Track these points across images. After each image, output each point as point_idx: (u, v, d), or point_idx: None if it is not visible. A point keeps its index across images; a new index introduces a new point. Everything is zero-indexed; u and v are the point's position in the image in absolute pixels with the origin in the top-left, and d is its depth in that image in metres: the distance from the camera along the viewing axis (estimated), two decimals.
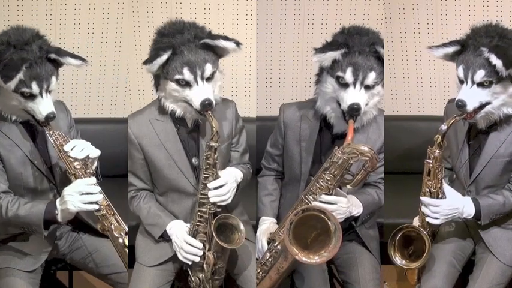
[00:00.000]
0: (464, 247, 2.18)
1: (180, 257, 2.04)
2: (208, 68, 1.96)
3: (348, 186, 2.00)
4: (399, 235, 2.09)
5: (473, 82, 1.96)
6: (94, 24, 3.25)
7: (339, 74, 2.01)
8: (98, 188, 1.94)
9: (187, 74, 1.94)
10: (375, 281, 2.12)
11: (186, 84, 1.96)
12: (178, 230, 2.06)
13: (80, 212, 2.16)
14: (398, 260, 2.09)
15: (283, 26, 3.29)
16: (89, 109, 3.37)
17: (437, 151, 2.00)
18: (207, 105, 1.93)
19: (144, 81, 3.29)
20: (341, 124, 2.10)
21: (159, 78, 2.04)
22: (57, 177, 2.11)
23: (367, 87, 2.02)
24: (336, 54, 2.00)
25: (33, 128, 2.07)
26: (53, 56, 1.95)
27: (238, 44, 1.99)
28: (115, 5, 3.25)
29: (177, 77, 1.95)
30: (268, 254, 2.06)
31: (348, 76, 2.00)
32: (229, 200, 2.04)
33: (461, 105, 1.96)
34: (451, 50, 2.02)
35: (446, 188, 2.06)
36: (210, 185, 1.99)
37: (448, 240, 2.18)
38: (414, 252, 2.12)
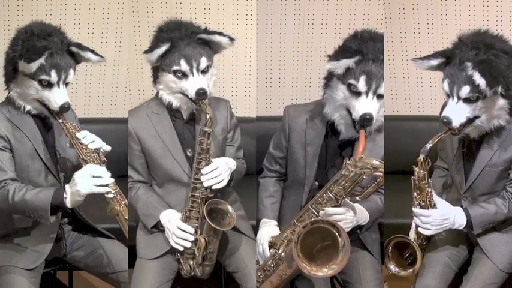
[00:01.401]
0: (460, 248, 2.17)
1: (172, 243, 2.08)
2: (204, 61, 2.06)
3: (357, 198, 1.99)
4: (391, 245, 2.14)
5: (459, 98, 1.90)
6: (94, 24, 3.25)
7: (352, 82, 1.96)
8: (109, 173, 1.97)
9: (184, 65, 2.04)
10: (376, 281, 2.12)
11: (183, 75, 2.06)
12: (171, 217, 2.11)
13: (80, 212, 2.18)
14: (392, 267, 2.15)
15: (283, 26, 3.29)
16: (89, 109, 3.37)
17: (421, 171, 2.00)
18: (201, 94, 2.02)
19: (144, 81, 3.29)
20: (349, 131, 2.07)
21: (157, 72, 2.12)
22: (62, 174, 2.12)
23: (379, 96, 1.98)
24: (350, 62, 1.95)
25: (45, 122, 2.10)
26: (74, 49, 2.02)
27: (231, 39, 2.10)
28: (115, 5, 3.25)
29: (175, 68, 2.05)
30: (270, 260, 2.06)
31: (361, 85, 1.95)
32: (223, 184, 2.07)
33: (446, 122, 1.91)
34: (435, 62, 1.96)
35: (437, 199, 2.05)
36: (204, 171, 2.05)
37: (443, 242, 2.17)
38: (411, 255, 2.16)
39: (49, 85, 1.97)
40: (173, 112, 2.17)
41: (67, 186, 1.94)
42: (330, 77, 2.06)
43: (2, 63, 2.04)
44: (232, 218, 2.07)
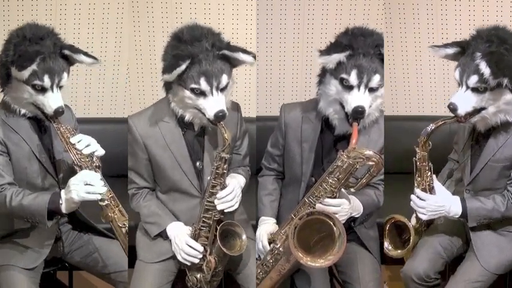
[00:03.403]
0: (454, 238, 2.20)
1: (179, 258, 2.06)
2: (224, 79, 1.97)
3: (352, 189, 2.01)
4: (389, 223, 2.21)
5: (467, 86, 1.96)
6: (94, 24, 3.25)
7: (343, 76, 1.99)
8: (103, 181, 1.97)
9: (203, 84, 1.94)
10: (375, 281, 2.13)
11: (201, 93, 1.96)
12: (179, 232, 2.08)
13: (80, 211, 2.18)
14: (386, 244, 2.23)
15: (283, 26, 3.29)
16: (89, 109, 3.37)
17: (422, 152, 2.04)
18: (220, 116, 1.94)
19: (144, 81, 3.30)
20: (343, 126, 2.09)
21: (171, 83, 2.02)
22: (60, 175, 2.12)
23: (371, 90, 2.00)
24: (340, 56, 1.98)
25: (41, 124, 2.09)
26: (66, 52, 1.99)
27: (254, 57, 2.01)
28: (115, 5, 3.25)
29: (193, 86, 1.95)
30: (269, 256, 2.07)
31: (353, 78, 1.98)
32: (236, 207, 2.06)
33: (452, 109, 1.96)
34: (451, 51, 2.02)
35: (437, 185, 2.08)
36: (219, 195, 2.01)
37: (439, 229, 2.21)
38: (408, 239, 2.19)
39: (43, 90, 1.96)
40: (184, 123, 2.09)
41: (62, 193, 1.95)
42: (323, 73, 2.09)
43: None
44: (243, 244, 2.04)
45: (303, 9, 3.27)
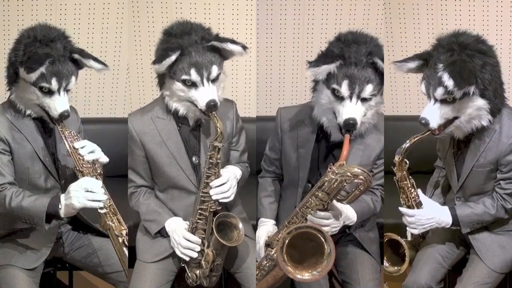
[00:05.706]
0: (452, 246, 2.19)
1: (178, 253, 2.07)
2: (215, 70, 1.99)
3: (343, 203, 2.00)
4: (385, 241, 2.20)
5: (435, 99, 1.92)
6: (94, 24, 3.25)
7: (335, 86, 1.95)
8: (103, 189, 1.97)
9: (194, 75, 1.97)
10: (375, 281, 2.12)
11: (192, 84, 1.99)
12: (177, 226, 2.09)
13: (80, 212, 2.18)
14: (384, 261, 2.21)
15: (283, 26, 3.29)
16: (89, 109, 3.37)
17: (399, 173, 2.03)
18: (212, 106, 1.96)
19: (144, 81, 3.30)
20: (338, 134, 2.05)
21: (163, 77, 2.06)
22: (62, 177, 2.12)
23: (364, 100, 1.96)
24: (330, 67, 1.93)
25: (45, 126, 2.09)
26: (76, 56, 1.99)
27: (244, 47, 2.01)
28: (115, 5, 3.25)
29: (184, 77, 1.98)
30: (265, 261, 2.07)
31: (344, 89, 1.94)
32: (232, 197, 2.06)
33: (424, 124, 1.93)
34: (413, 65, 1.97)
35: (424, 198, 2.07)
36: (213, 184, 2.02)
37: (435, 239, 2.19)
38: (405, 254, 2.20)
39: (50, 92, 1.96)
40: (179, 118, 2.11)
41: (62, 197, 1.95)
42: (316, 80, 2.05)
43: (4, 65, 2.02)
44: (241, 235, 2.05)
45: (303, 9, 3.28)
